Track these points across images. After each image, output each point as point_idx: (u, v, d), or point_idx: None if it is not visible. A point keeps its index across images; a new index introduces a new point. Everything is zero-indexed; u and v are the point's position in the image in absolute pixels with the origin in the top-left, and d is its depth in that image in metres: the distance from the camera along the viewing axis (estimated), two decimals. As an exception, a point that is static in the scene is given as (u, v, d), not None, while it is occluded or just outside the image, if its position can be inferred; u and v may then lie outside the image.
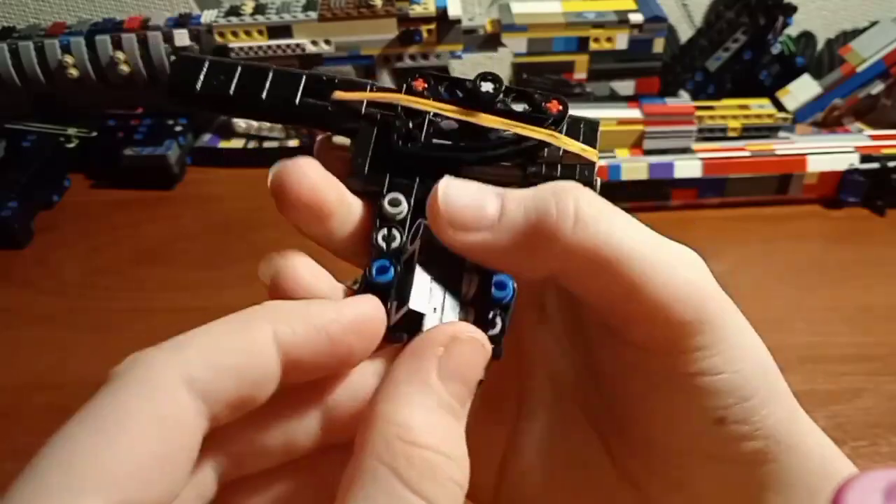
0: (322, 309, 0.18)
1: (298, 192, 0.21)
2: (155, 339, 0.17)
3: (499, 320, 0.21)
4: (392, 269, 0.21)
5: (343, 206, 0.22)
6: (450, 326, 0.19)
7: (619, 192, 0.61)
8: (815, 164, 0.62)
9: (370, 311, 0.19)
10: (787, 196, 0.63)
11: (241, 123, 0.70)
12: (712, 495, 0.21)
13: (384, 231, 0.22)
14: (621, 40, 0.66)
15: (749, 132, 0.63)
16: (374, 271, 0.21)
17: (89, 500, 0.13)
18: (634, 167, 0.61)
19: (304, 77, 0.23)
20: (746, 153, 0.62)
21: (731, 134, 0.63)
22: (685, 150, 0.62)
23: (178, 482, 0.15)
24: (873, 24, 0.70)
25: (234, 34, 0.65)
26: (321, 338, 0.17)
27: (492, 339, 0.20)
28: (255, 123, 0.69)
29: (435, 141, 0.23)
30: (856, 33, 0.72)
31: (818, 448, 0.22)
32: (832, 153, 0.62)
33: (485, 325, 0.21)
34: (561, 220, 0.18)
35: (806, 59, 0.73)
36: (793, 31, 0.73)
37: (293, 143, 0.70)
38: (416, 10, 0.64)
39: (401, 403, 0.17)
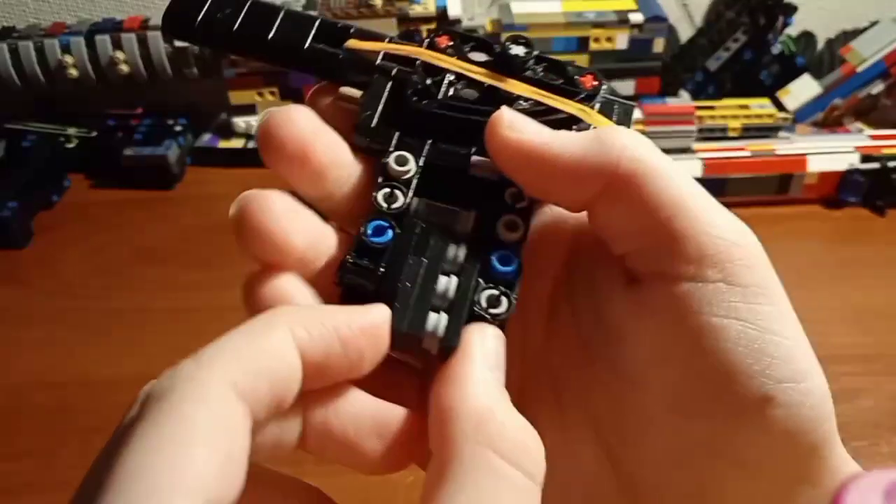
0: (333, 312, 0.18)
1: (283, 140, 0.19)
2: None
3: (503, 300, 0.19)
4: (390, 231, 0.20)
5: (337, 162, 0.20)
6: (478, 326, 0.19)
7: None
8: (816, 164, 0.62)
9: (379, 318, 0.18)
10: (788, 196, 0.63)
11: (240, 123, 0.70)
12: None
13: (386, 190, 0.20)
14: (621, 40, 0.66)
15: (749, 132, 0.63)
16: (369, 230, 0.19)
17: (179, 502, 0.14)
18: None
19: (318, 22, 0.22)
20: (747, 153, 0.62)
21: (731, 134, 0.63)
22: (685, 150, 0.62)
23: (242, 478, 0.16)
24: (873, 23, 0.70)
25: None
26: (334, 340, 0.17)
27: (495, 318, 0.19)
28: (254, 123, 0.69)
29: (452, 101, 0.21)
30: (856, 33, 0.72)
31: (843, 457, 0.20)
32: (832, 153, 0.62)
33: (476, 300, 0.19)
34: (615, 161, 0.19)
35: (806, 58, 0.72)
36: (793, 30, 0.73)
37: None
38: (416, 9, 0.64)
39: (475, 394, 0.17)
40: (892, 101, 0.69)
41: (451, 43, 0.21)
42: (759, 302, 0.18)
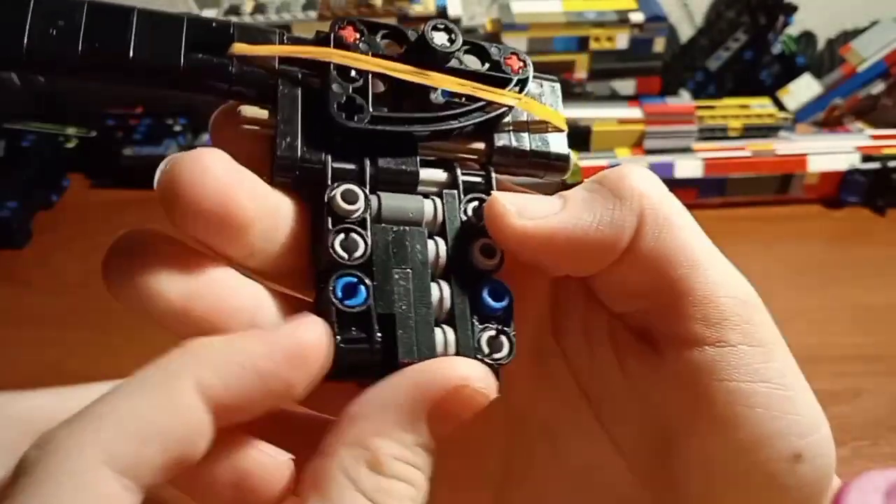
0: (248, 345, 0.15)
1: (197, 199, 0.15)
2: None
3: (504, 342, 0.17)
4: (362, 288, 0.17)
5: (262, 211, 0.16)
6: (462, 366, 0.16)
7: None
8: (816, 164, 0.62)
9: (310, 340, 0.16)
10: (788, 196, 0.63)
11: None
12: None
13: (341, 237, 0.17)
14: (622, 40, 0.66)
15: (750, 132, 0.63)
16: (339, 293, 0.16)
17: None
18: (635, 167, 0.61)
19: (185, 23, 0.17)
20: (747, 153, 0.62)
21: (731, 133, 0.63)
22: (686, 150, 0.62)
23: None
24: (874, 23, 0.70)
25: (234, 34, 0.65)
26: (250, 378, 0.15)
27: (497, 362, 0.17)
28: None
29: (381, 111, 0.18)
30: (856, 33, 0.72)
31: None
32: (833, 153, 0.62)
33: (479, 345, 0.17)
34: (634, 225, 0.17)
35: (806, 58, 0.72)
36: (793, 30, 0.73)
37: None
38: (416, 9, 0.64)
39: (379, 432, 0.16)
40: (892, 100, 0.69)
41: (359, 35, 0.18)
42: (775, 360, 0.18)
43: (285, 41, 0.17)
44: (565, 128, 0.19)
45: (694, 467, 0.18)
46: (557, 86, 0.20)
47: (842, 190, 0.62)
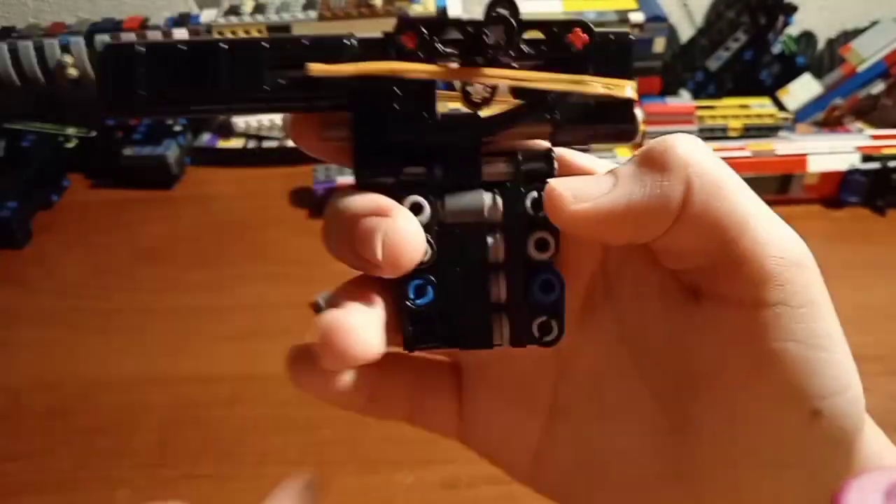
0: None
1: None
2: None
3: (554, 324, 0.20)
4: (430, 288, 0.19)
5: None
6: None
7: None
8: (816, 164, 0.62)
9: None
10: (788, 196, 0.63)
11: (239, 123, 0.70)
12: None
13: None
14: (621, 40, 0.66)
15: (750, 132, 0.63)
16: (411, 293, 0.19)
17: None
18: (635, 167, 0.61)
19: (263, 47, 0.18)
20: (747, 153, 0.62)
21: (731, 133, 0.63)
22: (685, 150, 0.62)
23: None
24: (874, 23, 0.70)
25: (234, 33, 0.65)
26: None
27: (547, 344, 0.20)
28: (254, 122, 0.69)
29: (446, 114, 0.19)
30: (856, 33, 0.72)
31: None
32: (833, 153, 0.62)
33: (531, 330, 0.20)
34: (682, 194, 0.18)
35: (807, 58, 0.72)
36: (793, 30, 0.73)
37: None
38: (416, 9, 0.64)
39: None
40: (892, 100, 0.69)
41: (419, 40, 0.18)
42: (814, 320, 0.19)
43: (355, 47, 0.18)
44: (629, 95, 0.19)
45: (715, 411, 0.20)
46: (627, 45, 0.19)
47: (842, 190, 0.62)
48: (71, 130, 0.70)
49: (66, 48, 0.67)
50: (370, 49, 0.18)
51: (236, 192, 0.67)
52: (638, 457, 0.22)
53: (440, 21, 0.19)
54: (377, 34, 0.19)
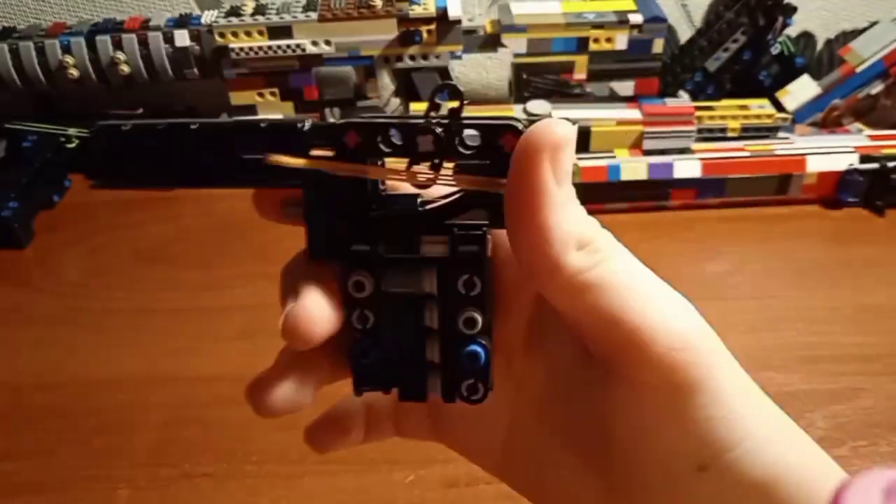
0: None
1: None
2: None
3: (480, 386, 0.22)
4: (373, 348, 0.22)
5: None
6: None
7: (618, 193, 0.61)
8: (815, 165, 0.62)
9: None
10: (787, 196, 0.63)
11: (241, 124, 0.70)
12: None
13: (356, 312, 0.22)
14: (621, 41, 0.66)
15: (748, 132, 0.64)
16: (356, 353, 0.22)
17: None
18: (634, 167, 0.61)
19: (227, 131, 0.21)
20: (746, 153, 0.62)
21: (730, 134, 0.63)
22: (685, 151, 0.62)
23: None
24: (873, 24, 0.70)
25: (234, 35, 0.65)
26: None
27: (475, 402, 0.22)
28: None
29: (389, 195, 0.21)
30: (855, 33, 0.72)
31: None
32: (832, 153, 0.62)
33: (460, 389, 0.22)
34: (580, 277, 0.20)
35: (805, 59, 0.73)
36: (792, 31, 0.73)
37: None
38: (417, 10, 0.65)
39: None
40: (891, 101, 0.69)
41: (361, 140, 0.20)
42: (705, 397, 0.20)
43: (309, 136, 0.21)
44: (501, 190, 0.20)
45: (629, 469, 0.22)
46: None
47: (840, 190, 0.62)
48: (72, 131, 0.70)
49: (66, 49, 0.67)
50: (321, 134, 0.21)
51: (236, 193, 0.67)
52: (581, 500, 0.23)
53: (381, 124, 0.20)
54: (330, 121, 0.20)
